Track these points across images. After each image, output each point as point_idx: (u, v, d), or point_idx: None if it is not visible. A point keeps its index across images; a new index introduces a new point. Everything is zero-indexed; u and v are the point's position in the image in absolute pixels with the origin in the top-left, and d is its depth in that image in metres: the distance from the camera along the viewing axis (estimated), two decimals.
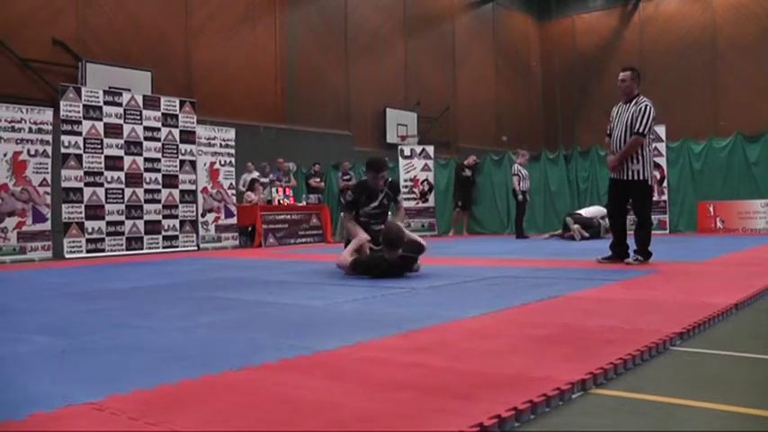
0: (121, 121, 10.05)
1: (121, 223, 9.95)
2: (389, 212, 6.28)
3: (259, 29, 16.12)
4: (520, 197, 12.39)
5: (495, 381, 2.05)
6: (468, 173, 14.41)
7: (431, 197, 14.85)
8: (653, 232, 6.38)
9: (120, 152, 10.02)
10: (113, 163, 9.92)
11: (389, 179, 6.33)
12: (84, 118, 9.65)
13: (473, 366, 2.26)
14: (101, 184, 9.77)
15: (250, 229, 11.85)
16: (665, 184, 12.80)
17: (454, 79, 22.02)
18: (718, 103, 21.43)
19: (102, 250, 9.66)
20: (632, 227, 6.46)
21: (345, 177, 14.27)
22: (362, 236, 5.80)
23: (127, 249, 9.96)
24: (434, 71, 21.24)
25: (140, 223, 10.17)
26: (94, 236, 9.65)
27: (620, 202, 6.36)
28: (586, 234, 11.01)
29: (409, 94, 20.15)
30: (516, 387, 1.96)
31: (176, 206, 10.67)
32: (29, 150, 9.12)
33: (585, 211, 11.57)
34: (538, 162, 14.31)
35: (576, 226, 11.11)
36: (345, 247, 5.99)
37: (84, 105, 9.66)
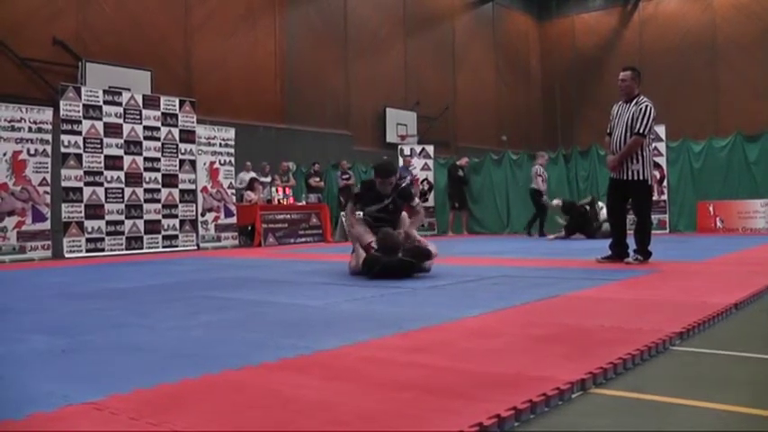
0: (121, 121, 10.05)
1: (121, 223, 9.95)
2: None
3: (258, 28, 16.12)
4: (545, 198, 12.45)
5: (496, 380, 2.05)
6: (461, 173, 14.43)
7: (430, 197, 14.86)
8: (653, 232, 6.39)
9: (120, 152, 10.02)
10: (113, 162, 9.92)
11: (402, 186, 6.08)
12: (84, 117, 9.65)
13: (473, 366, 2.26)
14: (100, 184, 9.76)
15: (250, 228, 11.85)
16: (664, 183, 12.80)
17: (454, 79, 22.01)
18: (718, 102, 21.42)
19: (102, 250, 9.66)
20: (632, 226, 6.47)
21: (344, 177, 14.26)
22: (366, 238, 5.48)
23: (126, 249, 9.95)
24: (434, 71, 21.23)
25: (140, 223, 10.16)
26: (94, 235, 9.64)
27: (619, 202, 6.36)
28: (561, 223, 11.39)
29: (409, 94, 20.14)
30: (516, 387, 1.96)
31: (176, 206, 10.66)
32: (29, 150, 9.11)
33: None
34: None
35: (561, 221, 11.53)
36: (353, 247, 5.79)
37: (83, 105, 9.65)
